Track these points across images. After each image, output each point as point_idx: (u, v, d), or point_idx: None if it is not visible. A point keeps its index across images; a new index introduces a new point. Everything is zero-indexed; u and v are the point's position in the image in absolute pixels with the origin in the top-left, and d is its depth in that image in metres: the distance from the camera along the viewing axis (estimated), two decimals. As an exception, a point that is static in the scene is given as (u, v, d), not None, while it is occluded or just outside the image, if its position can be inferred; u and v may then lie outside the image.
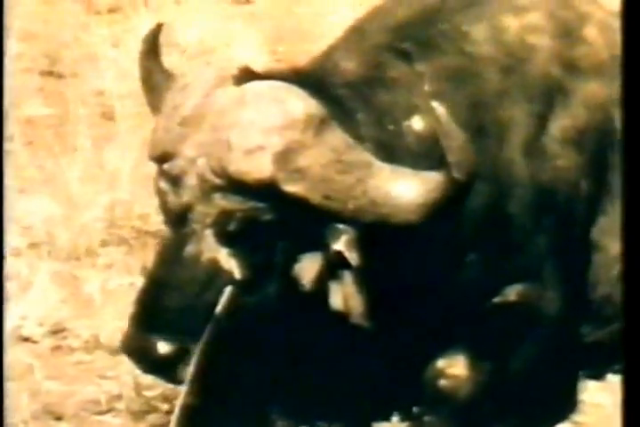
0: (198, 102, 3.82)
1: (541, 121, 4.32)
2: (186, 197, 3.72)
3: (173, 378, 3.72)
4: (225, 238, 3.70)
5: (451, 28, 4.35)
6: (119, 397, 4.11)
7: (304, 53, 4.72)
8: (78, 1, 7.64)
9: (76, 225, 5.11)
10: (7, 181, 5.46)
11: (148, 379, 4.12)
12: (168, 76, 4.21)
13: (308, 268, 3.80)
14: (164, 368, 3.67)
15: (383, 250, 3.81)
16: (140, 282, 4.01)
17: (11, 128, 5.92)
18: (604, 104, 4.49)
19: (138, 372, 3.93)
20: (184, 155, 3.73)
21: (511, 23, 4.44)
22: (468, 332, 4.12)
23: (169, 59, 6.73)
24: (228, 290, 3.69)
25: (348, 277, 3.80)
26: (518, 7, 4.51)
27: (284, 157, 3.65)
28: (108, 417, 4.09)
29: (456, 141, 3.68)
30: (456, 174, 3.64)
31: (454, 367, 4.09)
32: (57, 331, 4.52)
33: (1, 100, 3.95)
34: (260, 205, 3.70)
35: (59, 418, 4.09)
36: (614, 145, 4.49)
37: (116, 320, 4.40)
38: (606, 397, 4.46)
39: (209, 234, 3.70)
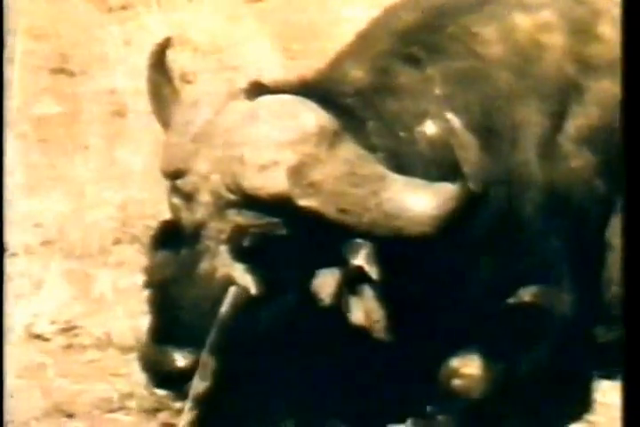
0: (209, 118, 3.85)
1: (556, 121, 4.32)
2: (199, 213, 3.75)
3: (186, 393, 3.70)
4: (240, 254, 3.71)
5: (459, 30, 4.37)
6: (130, 395, 4.13)
7: (318, 51, 4.85)
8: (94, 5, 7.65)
9: (89, 223, 5.14)
10: (20, 178, 5.54)
11: (160, 377, 4.18)
12: (175, 90, 4.23)
13: (326, 283, 3.81)
14: (180, 382, 3.66)
15: (401, 262, 3.80)
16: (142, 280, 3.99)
17: (23, 126, 5.97)
18: (618, 102, 4.43)
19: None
20: (197, 171, 3.76)
21: (522, 22, 4.45)
22: (483, 332, 4.12)
23: (181, 56, 6.86)
24: (231, 291, 3.67)
25: (368, 291, 3.81)
26: (530, 5, 4.52)
27: (298, 171, 3.68)
28: (119, 415, 4.11)
29: (471, 152, 3.71)
30: (471, 186, 3.65)
31: (468, 367, 4.09)
32: (68, 329, 4.54)
33: (1, 99, 3.80)
34: (275, 220, 3.72)
35: (70, 416, 4.10)
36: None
37: (128, 319, 4.45)
38: (619, 396, 4.43)
39: (223, 250, 3.72)
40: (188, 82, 6.65)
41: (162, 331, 3.75)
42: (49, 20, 7.44)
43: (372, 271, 3.74)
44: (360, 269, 3.75)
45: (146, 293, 3.98)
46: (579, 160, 4.31)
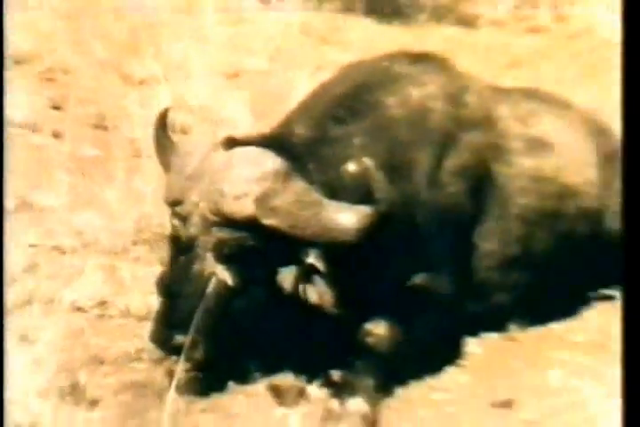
0: (198, 164, 4.15)
1: (438, 161, 4.60)
2: (192, 230, 4.05)
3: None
4: (221, 258, 4.02)
5: (372, 99, 4.64)
6: (143, 350, 4.33)
7: (279, 113, 4.92)
8: (119, 76, 7.92)
9: (115, 231, 5.39)
10: (66, 199, 5.73)
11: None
12: (173, 143, 4.50)
13: (287, 277, 4.11)
14: (178, 352, 3.94)
15: (339, 260, 4.09)
16: (157, 270, 4.28)
17: (71, 164, 6.19)
18: (481, 149, 4.79)
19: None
20: (190, 201, 4.08)
21: (415, 93, 4.71)
22: (389, 305, 4.35)
23: (180, 115, 7.11)
24: (212, 282, 3.98)
25: (319, 280, 4.12)
26: (420, 82, 4.76)
27: (262, 200, 3.98)
28: (135, 363, 4.32)
29: (380, 184, 4.06)
30: (381, 208, 3.99)
31: (378, 329, 4.30)
32: (101, 303, 4.77)
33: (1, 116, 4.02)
34: (246, 234, 4.02)
35: (102, 363, 4.29)
36: (489, 175, 4.82)
37: (142, 297, 4.67)
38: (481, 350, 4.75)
39: (209, 256, 4.02)
40: (185, 133, 6.83)
41: (166, 316, 4.03)
42: (93, 91, 7.58)
43: (321, 266, 4.05)
44: (312, 265, 4.05)
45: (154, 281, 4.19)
46: (453, 187, 4.61)
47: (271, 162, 4.08)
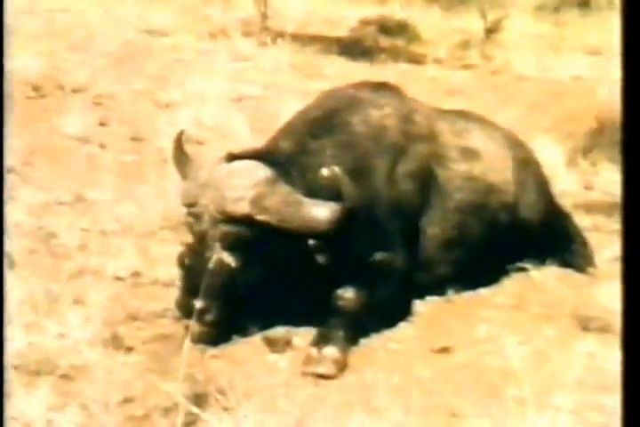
0: (207, 175, 4.17)
1: (393, 166, 4.57)
2: (203, 226, 4.07)
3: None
4: (226, 247, 4.03)
5: (341, 119, 4.62)
6: (169, 309, 4.28)
7: (271, 128, 4.91)
8: (151, 101, 7.96)
9: (146, 219, 5.40)
10: (107, 195, 5.77)
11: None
12: (188, 158, 4.50)
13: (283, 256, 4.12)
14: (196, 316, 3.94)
15: (330, 242, 4.15)
16: (178, 249, 4.22)
17: (113, 168, 6.21)
18: (426, 157, 4.75)
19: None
20: (201, 203, 4.09)
21: (374, 114, 4.68)
22: (357, 276, 4.31)
23: (195, 131, 7.10)
24: (214, 262, 4.00)
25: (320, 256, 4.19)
26: (379, 105, 4.72)
27: (256, 201, 4.01)
28: (164, 320, 4.29)
29: (347, 186, 4.08)
30: (348, 204, 4.03)
31: (347, 294, 4.27)
32: (135, 274, 4.75)
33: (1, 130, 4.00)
34: (244, 228, 4.03)
35: (135, 319, 4.29)
36: (433, 176, 4.77)
37: (167, 269, 4.61)
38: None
39: (217, 245, 4.03)
40: (200, 144, 6.91)
41: (186, 289, 4.07)
42: (130, 112, 7.71)
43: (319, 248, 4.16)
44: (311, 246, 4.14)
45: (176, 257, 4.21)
46: (405, 186, 4.59)
47: (262, 171, 4.11)
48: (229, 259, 4.04)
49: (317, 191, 4.17)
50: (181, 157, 4.53)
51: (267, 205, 4.02)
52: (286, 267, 4.14)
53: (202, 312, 3.98)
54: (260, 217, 4.01)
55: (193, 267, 4.06)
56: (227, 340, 4.15)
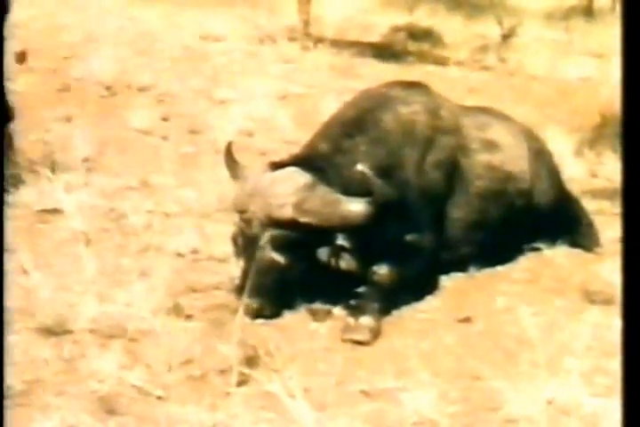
0: (253, 185, 4.16)
1: (422, 157, 4.51)
2: (254, 230, 4.03)
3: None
4: (274, 247, 4.00)
5: (372, 118, 4.52)
6: (222, 282, 4.30)
7: (313, 122, 4.89)
8: (207, 98, 7.82)
9: (203, 202, 5.35)
10: (169, 180, 5.72)
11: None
12: (237, 164, 4.45)
13: (322, 254, 4.10)
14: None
15: (360, 235, 4.10)
16: (231, 229, 4.22)
17: (174, 158, 6.19)
18: (452, 148, 4.68)
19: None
20: (250, 210, 4.06)
21: (403, 111, 4.60)
22: (390, 254, 4.26)
23: (248, 125, 7.04)
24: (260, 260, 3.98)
25: (346, 255, 4.14)
26: (408, 102, 4.65)
27: (297, 206, 3.97)
28: (217, 291, 4.28)
29: (376, 183, 4.05)
30: (378, 199, 4.00)
31: (381, 270, 4.24)
32: (194, 251, 4.69)
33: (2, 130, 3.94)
34: (289, 230, 3.99)
35: (194, 291, 4.26)
36: (457, 166, 4.69)
37: (222, 246, 4.54)
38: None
39: (267, 246, 3.99)
40: (250, 136, 6.91)
41: (243, 283, 4.01)
42: (189, 108, 7.64)
43: (346, 244, 4.09)
44: (341, 246, 4.10)
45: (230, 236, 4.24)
46: (433, 175, 4.52)
47: (301, 178, 4.08)
48: (279, 258, 4.01)
49: (353, 187, 4.11)
50: (231, 163, 4.48)
51: (307, 208, 3.98)
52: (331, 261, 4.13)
53: (254, 308, 3.96)
54: (302, 219, 3.98)
55: (247, 266, 4.04)
56: (276, 315, 4.11)
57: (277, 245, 4.01)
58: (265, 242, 4.00)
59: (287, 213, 3.99)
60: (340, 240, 4.08)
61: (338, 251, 4.11)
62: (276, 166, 4.21)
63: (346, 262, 4.15)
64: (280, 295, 4.08)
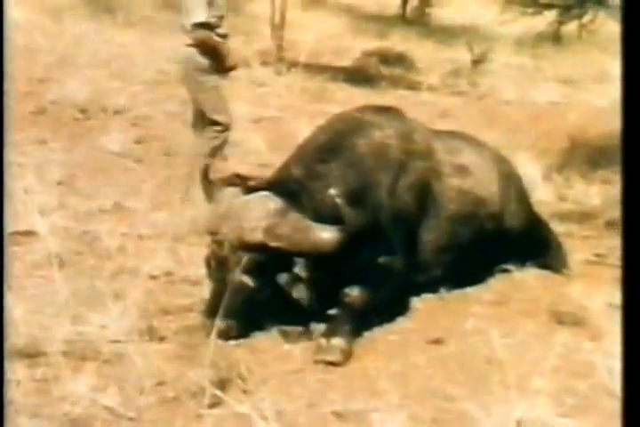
0: (226, 208, 4.17)
1: (395, 181, 4.51)
2: (225, 252, 4.03)
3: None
4: (245, 270, 3.97)
5: (346, 143, 4.51)
6: (195, 304, 4.28)
7: (286, 145, 4.91)
8: (180, 122, 7.51)
9: (177, 225, 5.29)
10: (143, 204, 5.65)
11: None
12: (213, 186, 4.54)
13: (284, 278, 4.06)
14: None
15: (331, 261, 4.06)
16: (205, 251, 4.22)
17: (148, 180, 6.19)
18: (424, 172, 4.70)
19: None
20: (222, 232, 4.06)
21: (377, 134, 4.61)
22: (362, 277, 4.25)
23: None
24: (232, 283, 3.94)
25: (300, 285, 4.08)
26: (381, 127, 4.66)
27: (269, 230, 3.97)
28: (190, 314, 4.24)
29: (347, 212, 4.07)
30: (349, 228, 4.01)
31: (353, 292, 4.20)
32: (167, 273, 4.71)
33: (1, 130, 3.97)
34: (259, 255, 3.98)
35: (167, 312, 4.26)
36: (429, 189, 4.71)
37: (195, 269, 4.54)
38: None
39: (237, 269, 3.97)
40: (224, 159, 6.84)
41: (212, 308, 3.97)
42: (163, 132, 7.57)
43: (303, 273, 4.07)
44: (297, 275, 4.06)
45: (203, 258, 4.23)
46: (405, 198, 4.53)
47: (273, 203, 4.08)
48: (248, 280, 4.00)
49: (326, 211, 4.12)
50: (207, 185, 4.52)
51: (278, 233, 3.97)
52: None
53: (224, 330, 3.90)
54: (272, 244, 3.97)
55: (215, 289, 4.04)
56: (247, 335, 4.10)
57: (247, 268, 3.98)
58: (235, 264, 3.98)
59: (258, 236, 3.98)
60: (298, 269, 4.07)
61: (295, 279, 4.08)
62: (249, 190, 4.21)
63: (298, 292, 4.12)
64: (251, 317, 4.06)
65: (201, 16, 5.70)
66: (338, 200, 4.10)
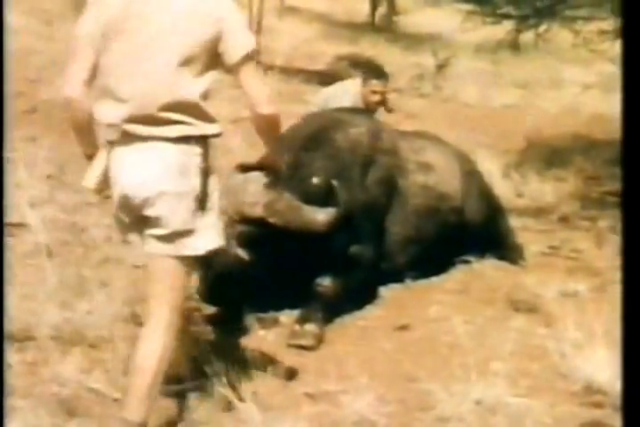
0: (223, 184, 3.83)
1: (364, 175, 4.53)
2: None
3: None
4: (241, 243, 3.92)
5: (328, 136, 4.54)
6: None
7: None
8: None
9: None
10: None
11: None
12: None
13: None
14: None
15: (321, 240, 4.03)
16: None
17: None
18: (390, 168, 4.71)
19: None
20: (221, 206, 3.87)
21: (353, 132, 4.63)
22: (332, 267, 4.28)
23: None
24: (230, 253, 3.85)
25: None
26: (355, 125, 4.69)
27: (267, 207, 3.90)
28: None
29: (341, 194, 4.11)
30: (341, 209, 4.02)
31: (325, 281, 4.25)
32: None
33: (1, 125, 3.82)
34: (256, 228, 3.93)
35: None
36: (395, 185, 4.72)
37: None
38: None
39: (233, 242, 3.87)
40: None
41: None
42: None
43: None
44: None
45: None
46: (374, 191, 4.54)
47: (270, 181, 3.93)
48: (242, 253, 3.93)
49: (310, 197, 4.08)
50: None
51: (275, 209, 3.91)
52: (281, 260, 4.05)
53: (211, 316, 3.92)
54: (270, 219, 3.91)
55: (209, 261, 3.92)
56: (232, 322, 4.08)
57: (243, 241, 3.91)
58: (233, 237, 3.86)
59: (257, 211, 3.91)
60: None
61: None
62: (243, 169, 4.08)
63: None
64: (234, 302, 4.02)
65: None
66: (333, 183, 4.09)
